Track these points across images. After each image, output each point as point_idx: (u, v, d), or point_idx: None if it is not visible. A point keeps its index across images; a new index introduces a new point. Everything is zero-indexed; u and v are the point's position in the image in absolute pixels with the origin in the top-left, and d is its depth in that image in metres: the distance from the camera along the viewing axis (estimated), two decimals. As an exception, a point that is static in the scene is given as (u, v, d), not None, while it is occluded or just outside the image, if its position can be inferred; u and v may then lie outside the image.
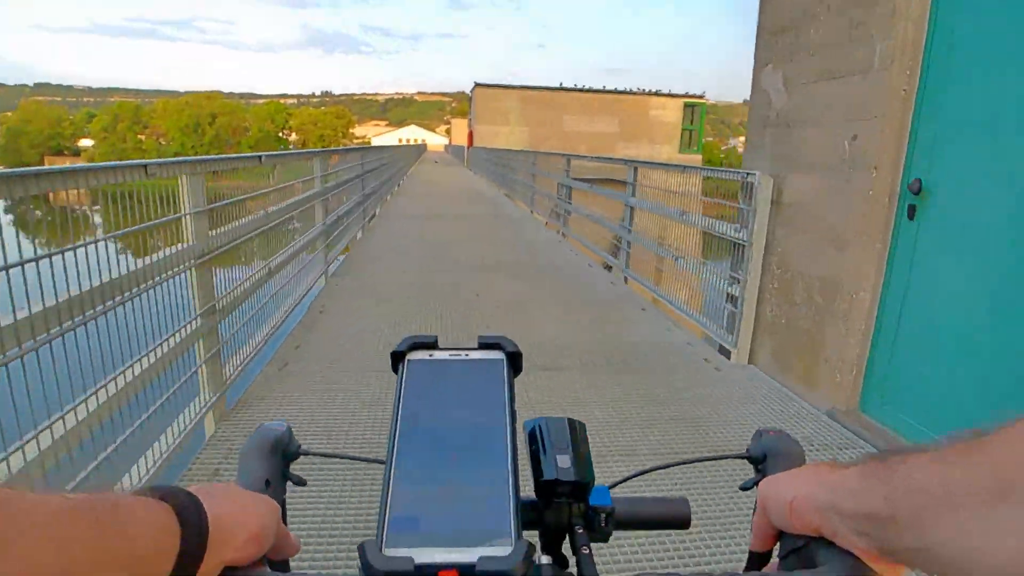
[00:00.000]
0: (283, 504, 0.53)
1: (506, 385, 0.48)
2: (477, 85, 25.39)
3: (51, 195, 1.71)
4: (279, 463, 0.54)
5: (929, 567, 0.31)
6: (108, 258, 1.87)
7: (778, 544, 0.46)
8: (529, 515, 0.49)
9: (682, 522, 0.55)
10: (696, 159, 28.80)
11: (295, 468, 0.57)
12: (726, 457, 0.63)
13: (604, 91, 26.29)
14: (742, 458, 0.59)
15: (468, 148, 27.22)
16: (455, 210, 12.46)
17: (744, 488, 0.56)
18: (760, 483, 0.48)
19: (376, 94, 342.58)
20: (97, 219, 2.16)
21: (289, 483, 0.56)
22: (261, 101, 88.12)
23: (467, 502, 0.40)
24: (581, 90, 26.16)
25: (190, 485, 0.39)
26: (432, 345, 0.51)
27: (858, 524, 0.36)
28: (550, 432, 0.52)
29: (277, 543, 0.44)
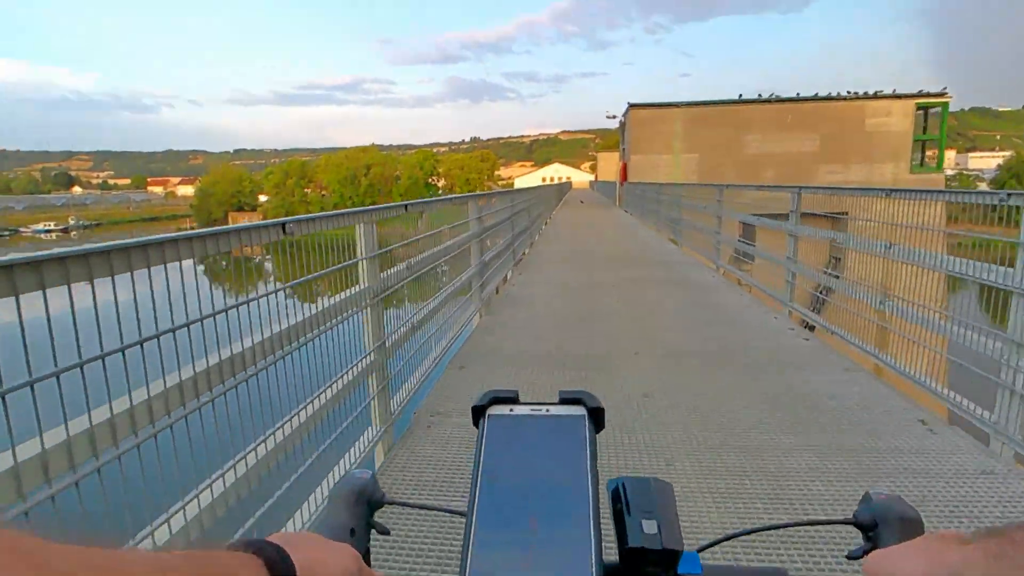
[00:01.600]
0: (367, 553, 0.53)
1: (588, 442, 0.48)
2: (631, 107, 19.73)
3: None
4: (364, 512, 0.54)
5: None
6: (287, 302, 2.05)
7: None
8: None
9: None
10: (936, 181, 20.53)
11: (379, 517, 0.56)
12: (830, 523, 0.56)
13: (800, 99, 19.30)
14: (848, 524, 0.53)
15: (621, 184, 21.27)
16: (614, 273, 8.78)
17: (851, 557, 0.51)
18: (869, 557, 0.44)
19: (522, 136, 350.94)
20: (268, 267, 2.45)
21: (373, 532, 0.55)
22: (414, 152, 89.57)
23: (548, 565, 0.40)
24: (767, 100, 19.40)
25: (275, 534, 0.41)
26: (513, 400, 0.51)
27: None
28: (635, 493, 0.50)
29: None
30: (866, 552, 0.49)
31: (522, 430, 0.49)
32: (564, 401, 0.51)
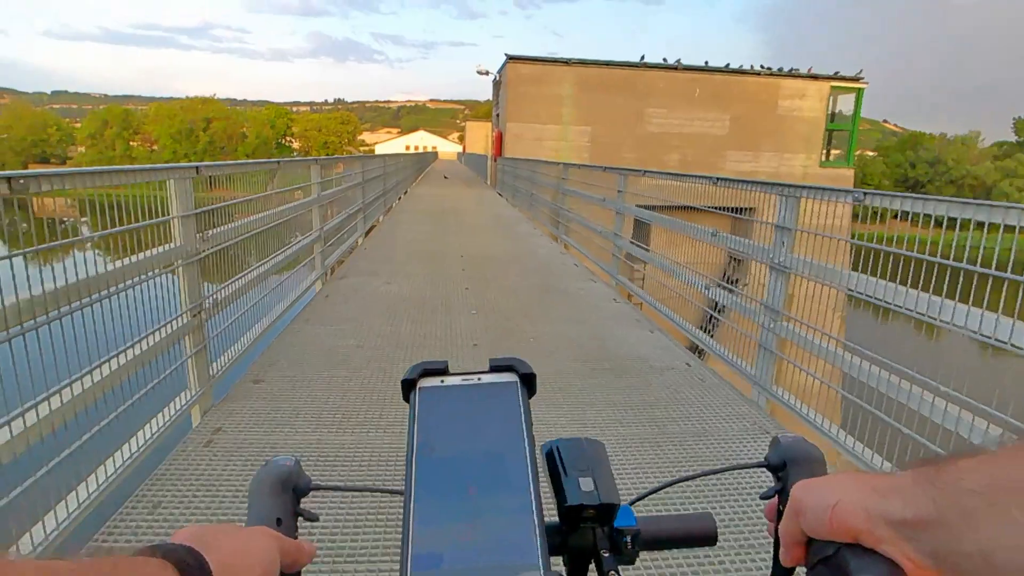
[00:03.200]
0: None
1: (522, 408, 0.48)
2: (510, 60, 14.72)
3: (35, 204, 1.84)
4: (290, 499, 0.52)
5: (983, 571, 0.30)
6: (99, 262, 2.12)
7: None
8: (554, 541, 0.48)
9: (709, 538, 0.54)
10: (846, 178, 17.64)
11: (307, 503, 0.54)
12: (746, 467, 0.60)
13: (709, 69, 15.30)
14: (761, 467, 0.55)
15: (494, 159, 16.14)
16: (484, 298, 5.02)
17: (765, 497, 0.54)
18: (793, 488, 0.44)
19: (388, 102, 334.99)
20: (85, 230, 2.27)
21: (302, 520, 0.53)
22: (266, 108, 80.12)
23: (491, 533, 0.40)
24: (673, 67, 15.20)
25: (191, 526, 0.41)
26: (443, 371, 0.51)
27: (908, 529, 0.34)
28: (569, 453, 0.51)
29: (288, 560, 0.44)
30: (777, 492, 0.52)
31: (455, 401, 0.49)
32: (495, 369, 0.51)
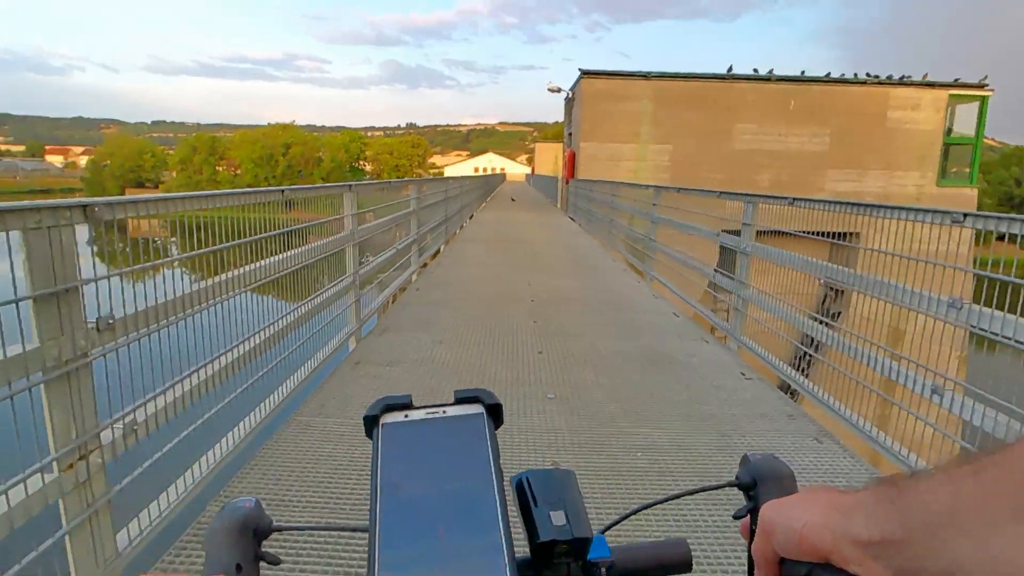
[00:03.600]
0: None
1: (489, 440, 0.47)
2: (584, 75, 13.42)
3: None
4: (250, 544, 0.49)
5: None
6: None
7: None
8: None
9: (684, 565, 0.54)
10: (968, 198, 15.11)
11: (268, 546, 0.52)
12: (716, 487, 0.59)
13: (806, 79, 13.44)
14: (732, 486, 0.56)
15: (566, 181, 14.88)
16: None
17: (737, 517, 0.54)
18: (762, 509, 0.44)
19: (459, 125, 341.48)
20: (174, 250, 2.42)
21: (263, 564, 0.52)
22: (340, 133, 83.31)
23: (460, 574, 0.39)
24: (764, 79, 13.46)
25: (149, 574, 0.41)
26: (407, 405, 0.50)
27: (874, 549, 0.35)
28: (539, 485, 0.50)
29: None
30: (749, 511, 0.52)
31: (420, 435, 0.48)
32: (460, 401, 0.50)
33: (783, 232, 4.02)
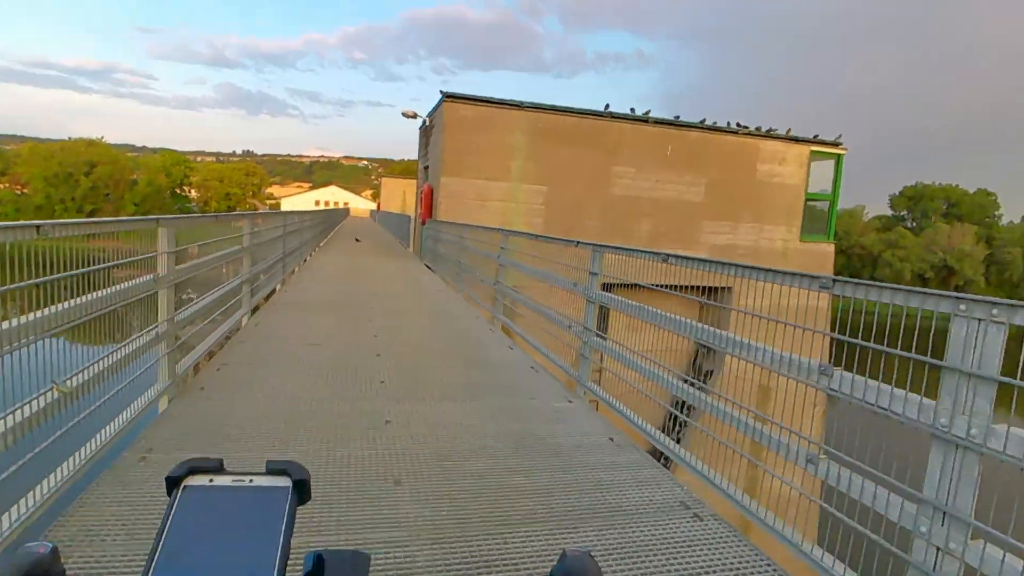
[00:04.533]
0: None
1: (285, 517, 0.45)
2: (447, 99, 10.48)
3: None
4: None
5: None
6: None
7: None
8: None
9: None
10: (826, 253, 14.70)
11: None
12: None
13: (682, 124, 11.95)
14: None
15: (422, 221, 11.85)
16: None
17: None
18: None
19: (301, 156, 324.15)
20: None
21: None
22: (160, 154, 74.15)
23: None
24: (642, 119, 11.75)
25: None
26: (216, 469, 0.47)
27: None
28: (332, 568, 0.47)
29: None
30: None
31: (219, 503, 0.45)
32: (271, 471, 0.48)
33: (659, 287, 3.78)
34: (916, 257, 74.06)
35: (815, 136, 15.55)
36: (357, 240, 22.10)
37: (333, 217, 32.39)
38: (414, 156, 17.86)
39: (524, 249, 6.16)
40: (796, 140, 15.31)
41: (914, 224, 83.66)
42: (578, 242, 4.83)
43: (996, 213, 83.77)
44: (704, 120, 14.54)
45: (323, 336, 5.75)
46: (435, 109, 14.33)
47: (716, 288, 3.27)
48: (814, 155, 15.66)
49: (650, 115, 14.17)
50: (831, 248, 16.09)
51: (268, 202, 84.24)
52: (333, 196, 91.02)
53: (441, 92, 13.21)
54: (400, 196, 47.98)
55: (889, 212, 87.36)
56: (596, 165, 13.93)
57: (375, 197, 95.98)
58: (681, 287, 3.54)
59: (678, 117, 14.42)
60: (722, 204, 14.88)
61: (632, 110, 14.16)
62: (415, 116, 15.36)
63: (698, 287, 3.54)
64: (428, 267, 13.31)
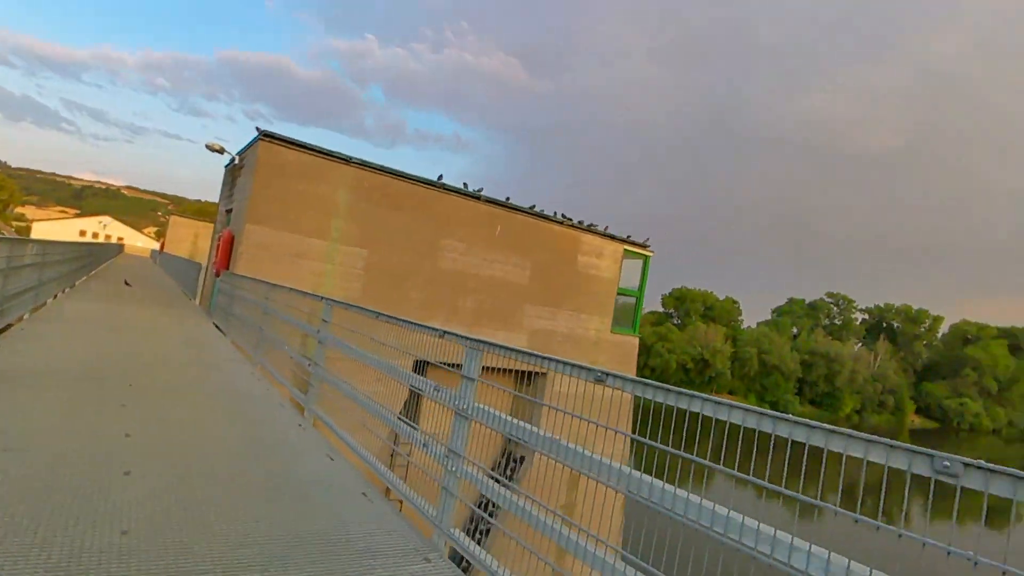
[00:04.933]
0: None
1: None
2: (263, 137, 8.95)
3: None
4: None
5: None
6: None
7: None
8: None
9: None
10: (632, 344, 15.72)
11: None
12: None
13: (511, 207, 12.08)
14: None
15: (217, 273, 9.78)
16: None
17: None
18: None
19: (71, 177, 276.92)
20: None
21: None
22: None
23: None
24: (475, 196, 11.58)
25: None
26: None
27: None
28: None
29: None
30: None
31: None
32: None
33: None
34: (680, 350, 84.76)
35: (628, 236, 16.60)
36: (127, 284, 18.32)
37: (101, 253, 27.06)
38: (213, 198, 15.50)
39: (359, 327, 4.87)
40: (612, 238, 16.17)
41: (679, 321, 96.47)
42: (443, 332, 3.64)
43: (739, 317, 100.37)
44: (534, 206, 14.71)
45: (33, 432, 3.83)
46: (248, 147, 12.50)
47: (533, 373, 3.92)
48: (626, 253, 16.65)
49: (482, 193, 13.91)
50: (636, 341, 16.98)
51: (14, 223, 69.85)
52: (106, 229, 77.99)
53: (258, 129, 11.53)
54: (191, 239, 42.40)
55: (661, 309, 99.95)
56: (424, 235, 13.12)
57: (160, 236, 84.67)
58: (502, 370, 3.81)
59: (508, 199, 14.38)
60: (545, 289, 14.93)
61: (465, 185, 13.78)
62: (222, 151, 13.28)
63: (517, 371, 4.07)
64: (218, 327, 11.06)
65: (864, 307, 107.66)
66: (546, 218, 14.95)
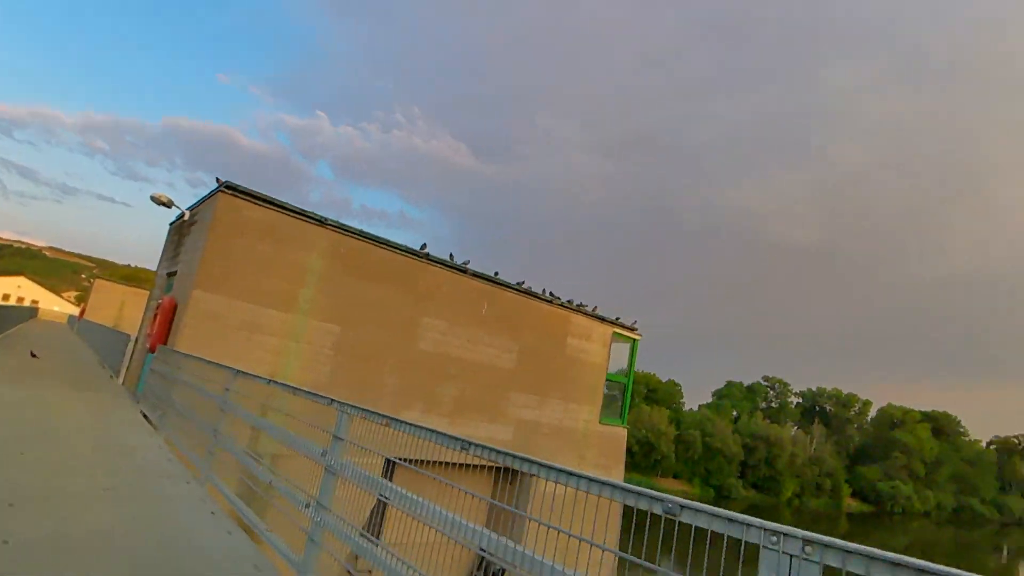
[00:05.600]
0: None
1: None
2: (224, 189, 7.16)
3: None
4: None
5: None
6: None
7: None
8: None
9: None
10: (621, 435, 14.19)
11: None
12: None
13: (499, 283, 10.51)
14: None
15: (151, 347, 7.53)
16: None
17: None
18: None
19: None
20: None
21: None
22: None
23: None
24: (461, 269, 9.97)
25: None
26: None
27: None
28: None
29: None
30: None
31: None
32: None
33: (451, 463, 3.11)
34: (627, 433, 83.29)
35: (616, 318, 15.31)
36: (34, 356, 15.39)
37: (5, 316, 23.55)
38: (145, 264, 13.32)
39: (385, 446, 3.16)
40: (602, 319, 14.81)
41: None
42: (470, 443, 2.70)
43: (681, 400, 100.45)
44: (523, 282, 13.26)
45: None
46: (202, 202, 10.60)
47: (516, 471, 2.73)
48: (615, 336, 15.29)
49: (468, 265, 12.38)
50: (625, 432, 15.34)
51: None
52: (20, 290, 71.21)
53: (218, 180, 9.74)
54: (117, 305, 38.47)
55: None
56: (403, 311, 11.34)
57: (80, 301, 78.15)
58: (478, 467, 2.83)
59: (497, 274, 12.90)
60: (532, 375, 13.23)
61: (451, 256, 12.24)
62: (170, 204, 11.31)
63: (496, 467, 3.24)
64: (146, 418, 8.73)
65: (798, 391, 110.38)
66: (535, 296, 13.49)
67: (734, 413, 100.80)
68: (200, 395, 6.73)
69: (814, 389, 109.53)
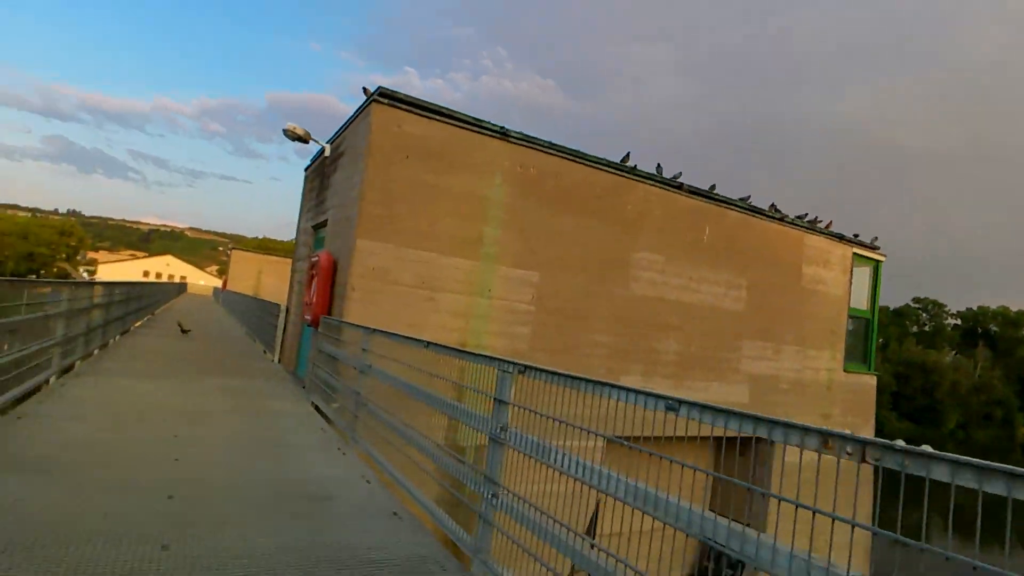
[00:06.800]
0: None
1: None
2: (380, 97, 3.76)
3: None
4: None
5: None
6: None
7: None
8: None
9: None
10: (870, 386, 9.38)
11: None
12: None
13: (720, 200, 6.31)
14: None
15: (313, 319, 4.72)
16: None
17: None
18: None
19: (139, 223, 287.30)
20: None
21: None
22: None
23: None
24: (674, 185, 5.91)
25: None
26: None
27: None
28: None
29: None
30: None
31: None
32: None
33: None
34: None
35: (856, 235, 11.55)
36: (184, 331, 14.30)
37: (159, 293, 23.57)
38: (270, 234, 11.32)
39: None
40: (841, 238, 11.16)
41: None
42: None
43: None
44: (748, 197, 9.91)
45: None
46: (350, 124, 8.15)
47: (748, 439, 1.97)
48: (855, 259, 11.59)
49: (681, 177, 9.19)
50: (874, 381, 11.82)
51: (82, 268, 69.64)
52: (169, 268, 77.10)
53: (365, 91, 7.19)
54: (254, 274, 39.08)
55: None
56: (609, 246, 8.47)
57: (221, 274, 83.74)
58: (694, 438, 2.02)
59: (713, 187, 9.61)
60: (764, 317, 10.03)
61: (659, 168, 9.11)
62: (307, 138, 9.01)
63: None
64: (320, 412, 6.62)
65: (955, 311, 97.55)
66: (762, 213, 10.11)
67: (880, 340, 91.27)
68: (406, 393, 4.25)
69: (975, 308, 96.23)
